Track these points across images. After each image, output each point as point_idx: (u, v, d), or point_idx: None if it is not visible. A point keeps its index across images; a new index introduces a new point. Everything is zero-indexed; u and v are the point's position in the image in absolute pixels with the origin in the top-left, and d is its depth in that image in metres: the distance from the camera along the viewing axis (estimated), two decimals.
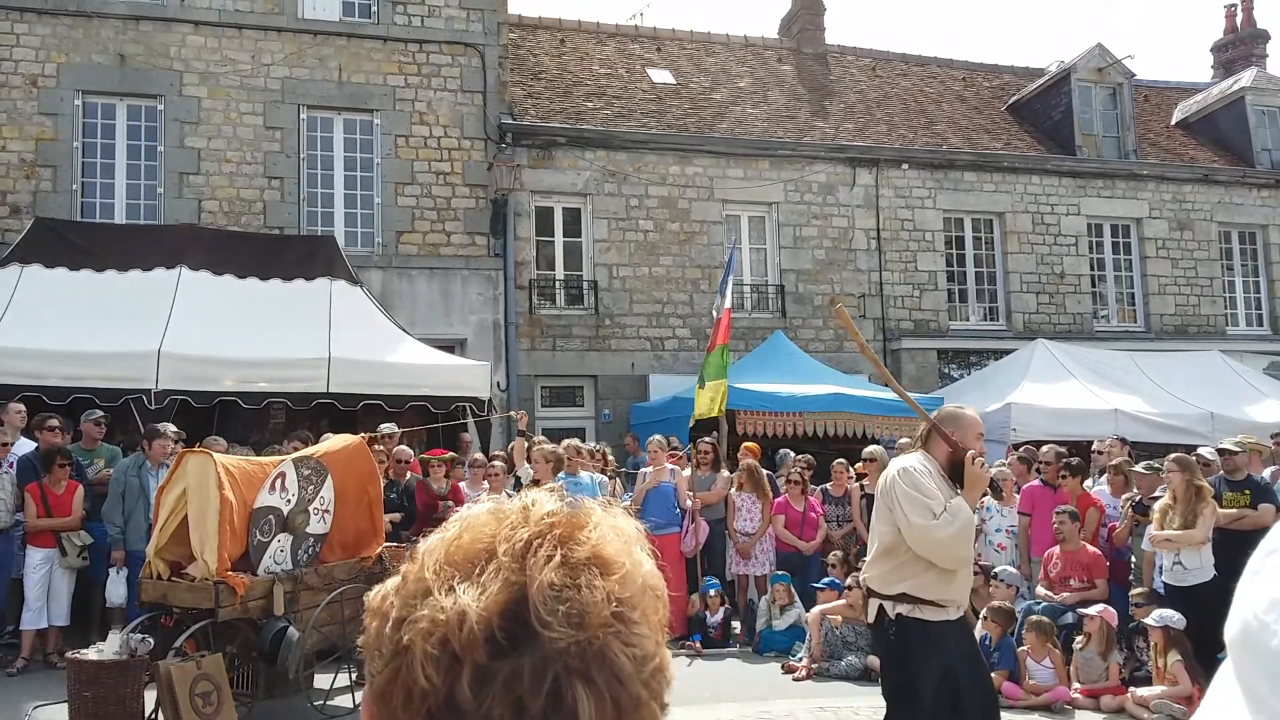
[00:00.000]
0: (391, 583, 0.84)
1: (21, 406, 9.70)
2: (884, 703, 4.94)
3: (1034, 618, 8.30)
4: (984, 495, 9.84)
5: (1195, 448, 10.06)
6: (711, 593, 10.08)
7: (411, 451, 10.60)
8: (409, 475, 10.32)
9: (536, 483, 8.27)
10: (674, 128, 17.39)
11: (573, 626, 0.74)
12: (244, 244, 13.25)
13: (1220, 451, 9.16)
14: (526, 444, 11.03)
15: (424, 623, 0.76)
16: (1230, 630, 0.71)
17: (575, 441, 10.67)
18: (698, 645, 9.73)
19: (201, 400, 10.75)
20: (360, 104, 15.44)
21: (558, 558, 0.78)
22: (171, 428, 9.37)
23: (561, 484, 9.10)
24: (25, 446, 9.27)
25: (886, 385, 5.15)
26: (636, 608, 0.79)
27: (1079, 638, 8.21)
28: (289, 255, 13.07)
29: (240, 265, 12.41)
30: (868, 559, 4.89)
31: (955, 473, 4.70)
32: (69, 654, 6.60)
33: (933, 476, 4.66)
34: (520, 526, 0.81)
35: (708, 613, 9.99)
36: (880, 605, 4.73)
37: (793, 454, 11.93)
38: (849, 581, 9.20)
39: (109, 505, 8.88)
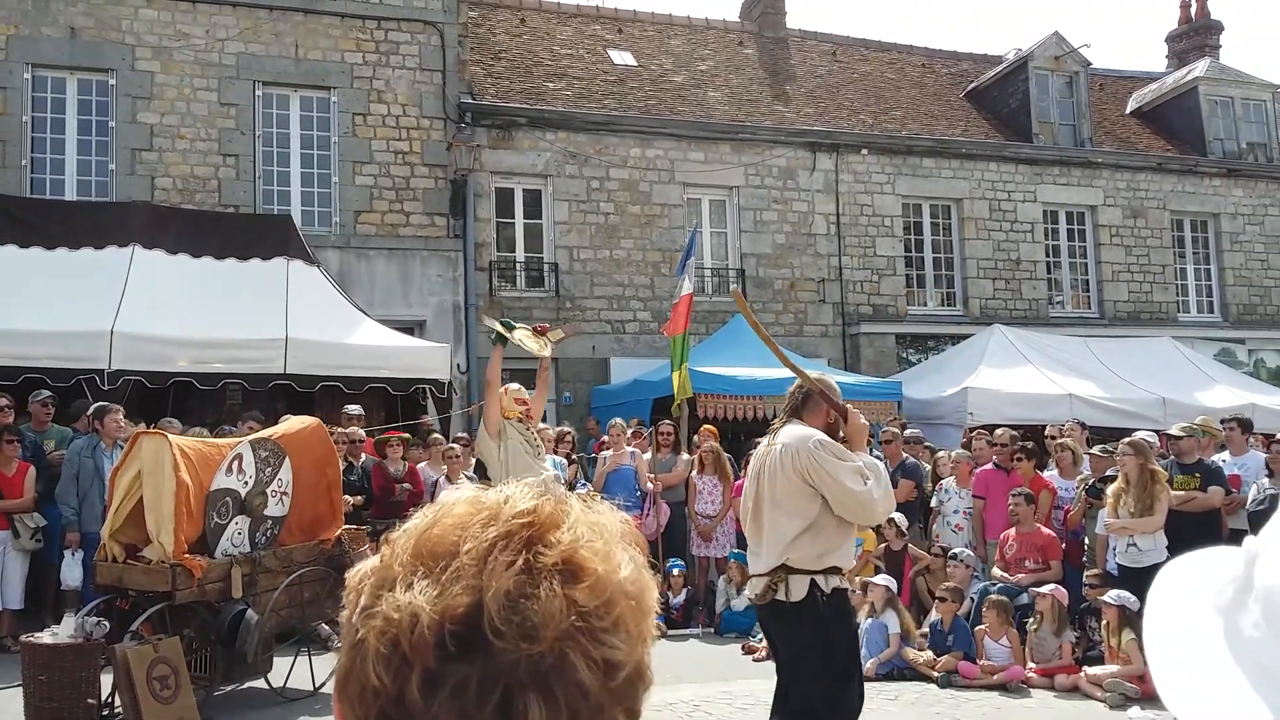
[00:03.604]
0: (372, 562, 0.81)
1: None
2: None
3: (994, 597, 8.42)
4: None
5: (1133, 431, 10.24)
6: (675, 573, 10.10)
7: (363, 433, 10.51)
8: (364, 456, 10.23)
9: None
10: (635, 110, 17.32)
11: (525, 639, 0.71)
12: (199, 222, 12.98)
13: (1168, 437, 9.40)
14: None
15: (379, 619, 0.74)
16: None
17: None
18: (661, 626, 9.76)
19: (156, 381, 10.57)
20: (317, 81, 15.22)
21: (519, 563, 0.74)
22: (94, 405, 9.09)
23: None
24: None
25: (779, 359, 5.25)
26: (606, 616, 0.75)
27: (1032, 618, 8.35)
28: (245, 234, 12.83)
29: (195, 244, 12.17)
30: (774, 541, 4.63)
31: (831, 436, 4.73)
32: (23, 637, 6.50)
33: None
34: (490, 524, 0.77)
35: (670, 593, 10.01)
36: (813, 580, 4.57)
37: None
38: None
39: (63, 487, 8.72)
